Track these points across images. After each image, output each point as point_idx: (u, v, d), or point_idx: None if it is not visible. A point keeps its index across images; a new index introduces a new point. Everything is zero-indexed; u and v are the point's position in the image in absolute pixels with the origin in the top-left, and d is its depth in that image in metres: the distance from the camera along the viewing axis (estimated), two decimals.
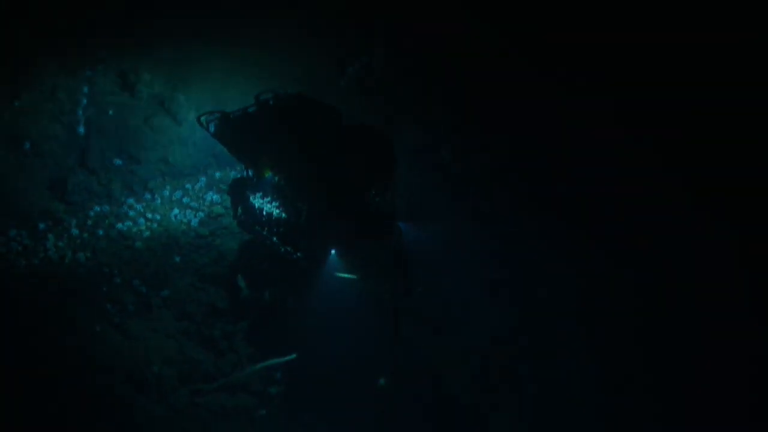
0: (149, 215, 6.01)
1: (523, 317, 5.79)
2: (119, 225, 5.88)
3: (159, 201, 6.11)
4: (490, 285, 5.88)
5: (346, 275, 5.33)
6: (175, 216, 6.04)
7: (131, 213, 5.97)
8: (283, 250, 5.18)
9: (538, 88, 6.15)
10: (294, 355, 5.42)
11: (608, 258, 5.83)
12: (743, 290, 5.48)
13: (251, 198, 5.22)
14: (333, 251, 5.21)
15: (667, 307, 5.65)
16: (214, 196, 6.20)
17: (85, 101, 6.23)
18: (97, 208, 5.93)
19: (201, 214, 6.09)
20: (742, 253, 5.50)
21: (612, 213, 5.87)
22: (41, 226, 5.75)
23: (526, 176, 6.18)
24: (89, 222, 5.86)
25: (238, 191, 5.37)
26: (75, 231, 5.78)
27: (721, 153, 5.55)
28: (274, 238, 5.16)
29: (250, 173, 5.31)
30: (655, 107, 5.74)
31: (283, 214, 5.07)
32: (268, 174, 5.13)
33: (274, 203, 5.11)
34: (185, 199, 6.14)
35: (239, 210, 5.35)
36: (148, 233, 5.89)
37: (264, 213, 5.16)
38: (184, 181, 6.26)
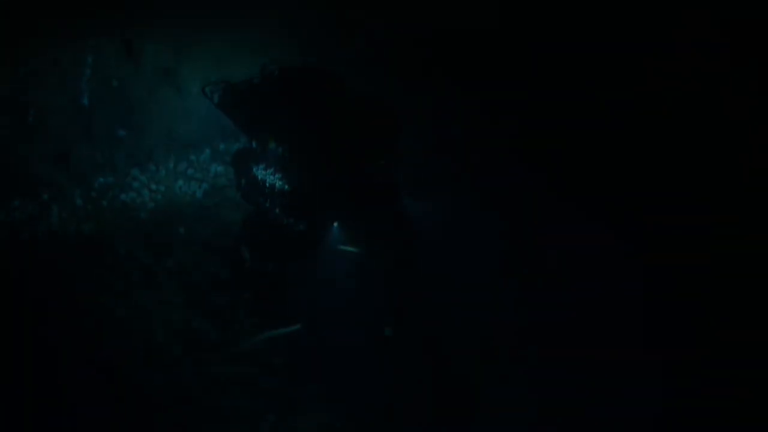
0: (153, 186, 6.01)
1: (528, 293, 5.78)
2: (123, 196, 5.89)
3: (163, 172, 6.12)
4: (496, 260, 5.88)
5: (348, 248, 5.33)
6: (180, 187, 6.05)
7: (135, 184, 5.98)
8: (286, 222, 5.17)
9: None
10: (298, 326, 5.45)
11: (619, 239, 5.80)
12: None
13: (254, 169, 5.20)
14: (336, 224, 5.22)
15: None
16: (219, 168, 6.21)
17: (89, 72, 6.22)
18: (101, 179, 5.95)
19: (205, 185, 6.10)
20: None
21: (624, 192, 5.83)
22: (45, 196, 5.77)
23: (536, 154, 6.13)
24: (93, 193, 5.87)
25: (241, 163, 5.35)
26: (79, 202, 5.79)
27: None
28: (277, 210, 5.16)
29: (254, 144, 5.29)
30: None
31: (286, 186, 5.06)
32: (272, 145, 5.11)
33: (277, 175, 5.09)
34: (189, 171, 6.15)
35: (242, 182, 5.33)
36: (152, 204, 5.90)
37: (267, 185, 5.15)
38: (188, 153, 6.26)
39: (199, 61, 6.46)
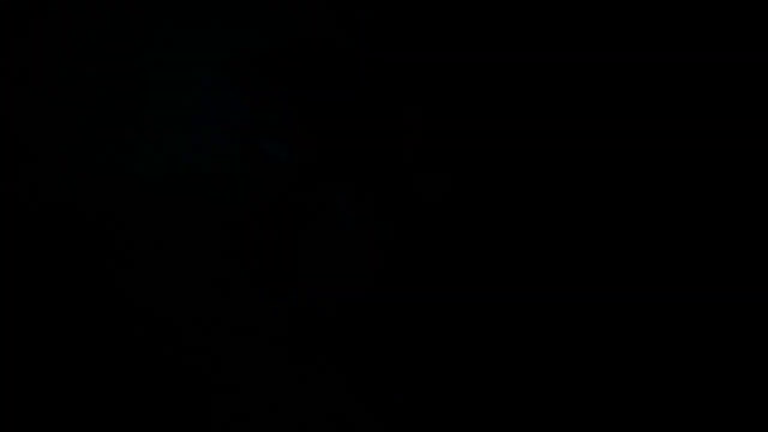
0: (160, 157, 5.99)
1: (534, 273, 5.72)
2: (129, 167, 5.88)
3: (170, 144, 6.09)
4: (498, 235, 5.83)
5: (353, 219, 5.32)
6: (186, 159, 6.03)
7: (141, 155, 5.96)
8: (292, 195, 5.19)
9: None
10: (304, 297, 5.44)
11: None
12: None
13: (262, 142, 5.22)
14: (341, 194, 5.22)
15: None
16: (227, 141, 6.18)
17: (92, 42, 6.19)
18: (106, 150, 5.93)
19: (212, 158, 6.07)
20: None
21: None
22: (49, 169, 5.76)
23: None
24: (98, 164, 5.87)
25: (249, 135, 5.36)
26: (83, 173, 5.79)
27: None
28: (284, 183, 5.17)
29: (261, 117, 5.30)
30: None
31: (293, 159, 5.07)
32: (280, 118, 5.13)
33: (283, 145, 5.11)
34: (196, 142, 6.12)
35: (250, 153, 5.34)
36: (159, 177, 5.89)
37: (274, 158, 5.17)
38: (195, 125, 6.23)
39: (206, 32, 6.42)
